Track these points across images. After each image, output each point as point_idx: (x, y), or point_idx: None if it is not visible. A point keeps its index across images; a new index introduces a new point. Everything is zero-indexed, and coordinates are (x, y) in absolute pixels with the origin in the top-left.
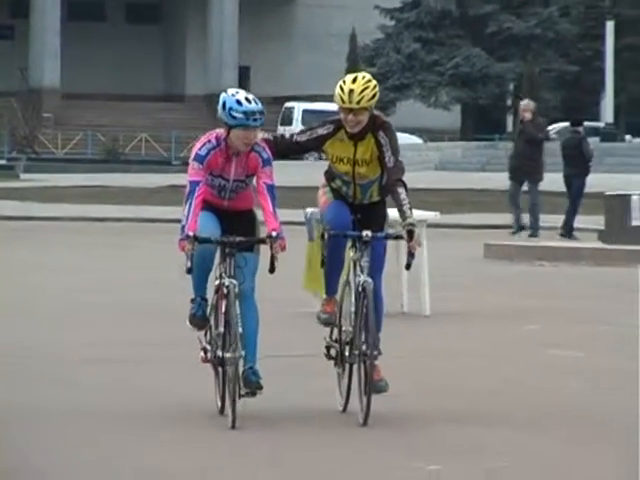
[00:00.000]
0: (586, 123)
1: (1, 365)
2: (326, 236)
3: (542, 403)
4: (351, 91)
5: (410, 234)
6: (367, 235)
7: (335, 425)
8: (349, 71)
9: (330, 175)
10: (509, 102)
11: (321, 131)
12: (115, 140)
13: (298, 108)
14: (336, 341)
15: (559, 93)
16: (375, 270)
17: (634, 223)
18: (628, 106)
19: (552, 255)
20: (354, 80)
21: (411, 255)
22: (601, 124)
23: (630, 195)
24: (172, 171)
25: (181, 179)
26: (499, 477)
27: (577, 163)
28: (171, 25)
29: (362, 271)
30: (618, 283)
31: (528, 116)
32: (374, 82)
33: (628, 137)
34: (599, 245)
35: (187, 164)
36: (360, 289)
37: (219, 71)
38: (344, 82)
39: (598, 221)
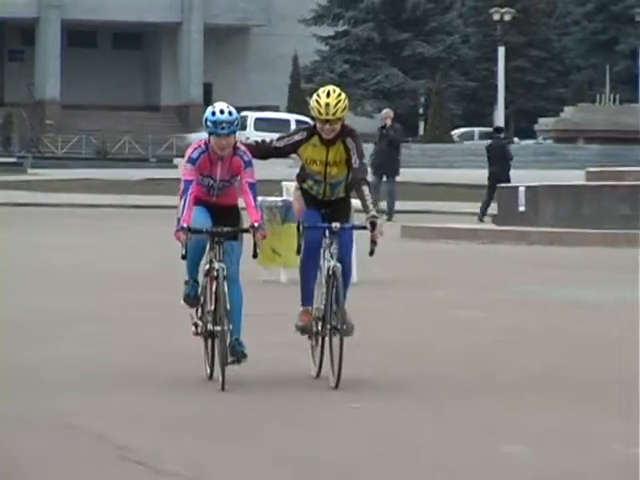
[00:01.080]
0: (482, 128)
1: (15, 326)
2: (301, 228)
3: (447, 351)
4: (327, 104)
5: (373, 225)
6: (335, 226)
7: (308, 386)
8: (292, 87)
9: (302, 177)
10: (421, 111)
11: (297, 137)
12: (104, 142)
13: (251, 116)
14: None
15: (461, 105)
16: (344, 254)
17: (520, 209)
18: (515, 115)
19: (455, 235)
20: (328, 94)
21: (373, 243)
22: (494, 128)
23: (518, 187)
24: (149, 167)
25: (157, 174)
26: (403, 413)
27: (500, 163)
28: (149, 50)
29: (332, 257)
30: (509, 257)
31: (389, 122)
32: (344, 95)
33: (516, 140)
34: (493, 227)
35: (162, 161)
36: (330, 272)
37: (187, 87)
38: (319, 96)
39: (492, 207)
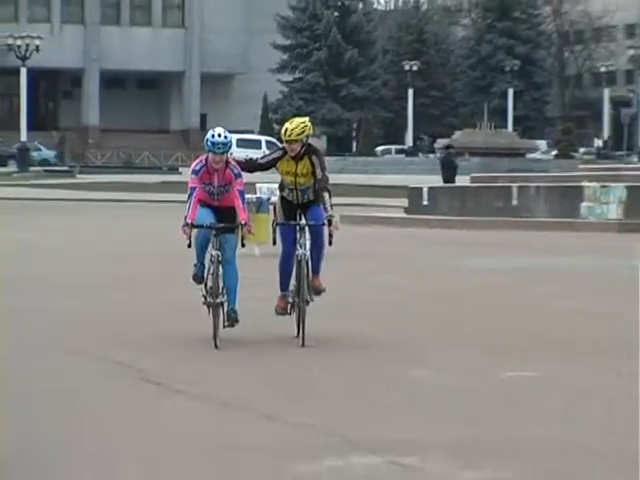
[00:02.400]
0: (397, 146)
1: (52, 284)
2: (276, 225)
3: (375, 301)
4: (286, 129)
5: (329, 222)
6: (302, 223)
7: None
8: (263, 116)
9: (281, 186)
10: (354, 134)
11: (274, 155)
12: (130, 155)
13: (234, 138)
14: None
15: (382, 130)
16: (318, 245)
17: (424, 203)
18: (420, 137)
19: (379, 221)
20: (291, 123)
21: (330, 235)
22: (406, 147)
23: (422, 187)
24: (162, 173)
25: (168, 178)
26: (341, 349)
27: (449, 170)
28: (162, 90)
29: (301, 247)
30: (417, 238)
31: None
32: (305, 123)
33: (420, 154)
34: (405, 215)
35: (171, 169)
36: (299, 259)
37: (189, 116)
38: (285, 125)
39: (404, 202)
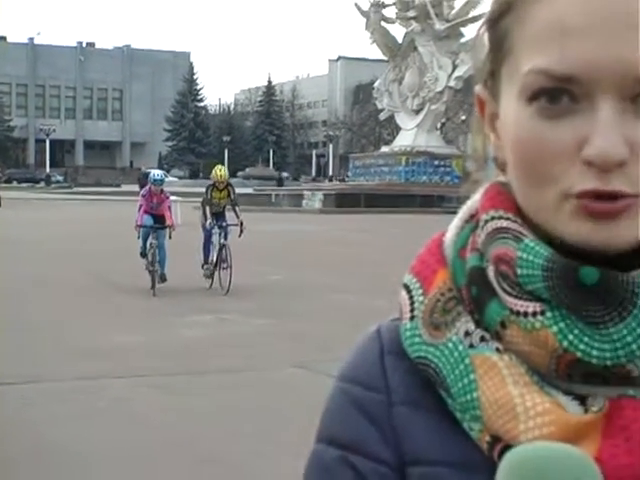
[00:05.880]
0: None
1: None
2: (207, 226)
3: (329, 258)
4: (218, 174)
5: (241, 224)
6: (222, 225)
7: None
8: (159, 163)
9: (209, 203)
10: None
11: (210, 189)
12: (99, 180)
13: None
14: (210, 265)
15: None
16: (227, 234)
17: (304, 206)
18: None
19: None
20: (220, 170)
21: (241, 232)
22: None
23: (303, 192)
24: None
25: (120, 189)
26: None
27: None
28: (114, 150)
29: (220, 238)
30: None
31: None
32: (225, 171)
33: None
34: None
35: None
36: (220, 246)
37: (126, 163)
38: (217, 171)
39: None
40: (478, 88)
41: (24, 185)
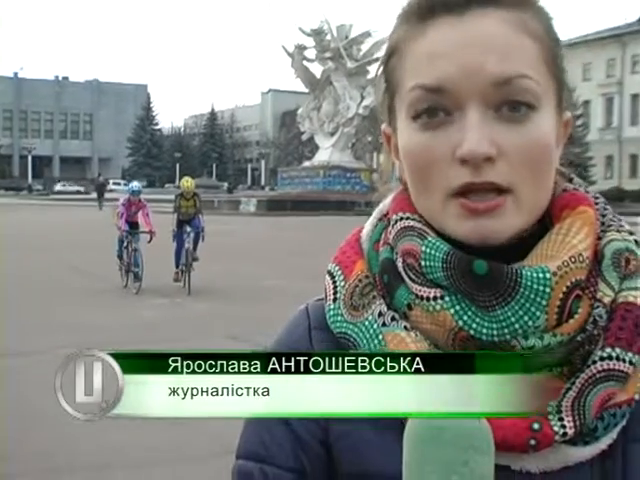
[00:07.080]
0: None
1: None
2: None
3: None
4: (186, 185)
5: (202, 230)
6: (189, 230)
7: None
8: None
9: (178, 211)
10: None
11: (178, 198)
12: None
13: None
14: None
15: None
16: (197, 239)
17: (241, 209)
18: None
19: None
20: (187, 182)
21: (203, 238)
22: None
23: (240, 200)
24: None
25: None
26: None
27: None
28: (90, 164)
29: (188, 243)
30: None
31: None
32: (193, 183)
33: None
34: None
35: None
36: (185, 250)
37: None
38: (184, 183)
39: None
40: (384, 126)
41: (10, 193)
